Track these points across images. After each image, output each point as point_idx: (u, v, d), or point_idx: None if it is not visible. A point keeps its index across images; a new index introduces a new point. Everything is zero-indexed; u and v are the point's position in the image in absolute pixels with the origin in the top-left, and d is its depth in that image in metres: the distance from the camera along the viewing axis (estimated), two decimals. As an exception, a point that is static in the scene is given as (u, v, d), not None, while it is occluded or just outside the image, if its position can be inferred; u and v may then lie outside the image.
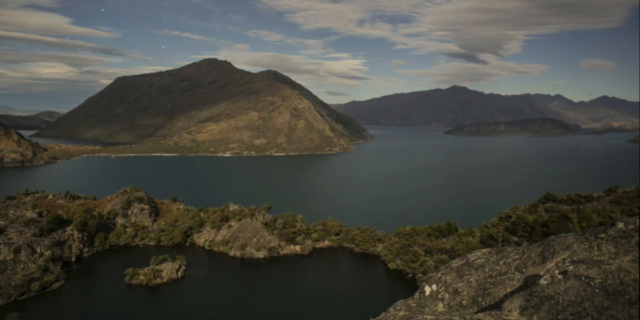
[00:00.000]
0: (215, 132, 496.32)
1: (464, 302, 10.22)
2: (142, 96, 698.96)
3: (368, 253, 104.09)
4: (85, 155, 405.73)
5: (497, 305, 8.88)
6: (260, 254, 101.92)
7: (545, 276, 7.96)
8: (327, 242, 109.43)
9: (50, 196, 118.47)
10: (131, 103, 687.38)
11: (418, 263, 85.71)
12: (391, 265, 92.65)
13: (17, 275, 78.78)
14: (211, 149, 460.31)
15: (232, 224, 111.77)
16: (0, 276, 77.48)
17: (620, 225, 9.07)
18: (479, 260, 11.43)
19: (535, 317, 7.37)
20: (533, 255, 10.45)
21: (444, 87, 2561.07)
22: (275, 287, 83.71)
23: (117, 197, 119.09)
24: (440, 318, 8.73)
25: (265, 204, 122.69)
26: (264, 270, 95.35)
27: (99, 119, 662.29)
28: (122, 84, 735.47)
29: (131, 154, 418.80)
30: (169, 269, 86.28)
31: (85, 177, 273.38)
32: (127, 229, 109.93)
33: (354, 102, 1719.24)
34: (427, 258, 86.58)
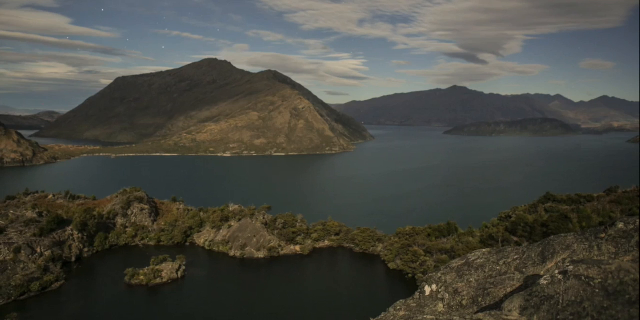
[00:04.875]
0: (215, 132, 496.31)
1: (464, 302, 10.22)
2: (142, 96, 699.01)
3: (368, 253, 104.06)
4: (85, 155, 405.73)
5: (497, 305, 8.88)
6: (260, 254, 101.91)
7: (545, 276, 7.96)
8: (327, 242, 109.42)
9: (50, 196, 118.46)
10: (131, 103, 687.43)
11: (418, 263, 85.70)
12: (391, 265, 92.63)
13: (17, 275, 78.79)
14: (211, 149, 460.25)
15: (232, 224, 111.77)
16: (0, 276, 77.48)
17: (620, 225, 9.07)
18: (479, 260, 11.43)
19: (535, 317, 7.37)
20: (533, 255, 10.45)
21: (444, 87, 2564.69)
22: (275, 287, 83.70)
23: (117, 197, 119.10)
24: (440, 318, 8.73)
25: (265, 204, 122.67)
26: (264, 270, 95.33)
27: (99, 119, 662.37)
28: (122, 84, 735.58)
29: (131, 154, 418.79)
30: (169, 269, 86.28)
31: (85, 177, 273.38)
32: (127, 229, 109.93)
33: (354, 102, 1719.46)
34: (427, 258, 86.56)
